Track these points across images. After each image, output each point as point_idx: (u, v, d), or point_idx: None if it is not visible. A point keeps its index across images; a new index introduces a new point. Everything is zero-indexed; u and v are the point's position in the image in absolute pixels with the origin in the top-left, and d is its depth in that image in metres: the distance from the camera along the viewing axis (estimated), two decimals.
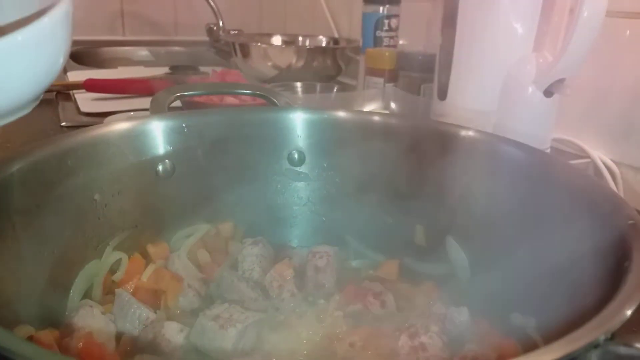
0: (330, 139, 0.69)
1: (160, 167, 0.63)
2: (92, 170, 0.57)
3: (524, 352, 0.49)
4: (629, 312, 0.31)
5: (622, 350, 0.29)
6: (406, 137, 0.65)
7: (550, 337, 0.44)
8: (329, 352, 0.54)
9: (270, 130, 0.69)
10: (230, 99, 1.04)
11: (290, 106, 0.72)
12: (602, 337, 0.29)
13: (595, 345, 0.29)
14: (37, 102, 0.36)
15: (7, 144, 1.01)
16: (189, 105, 0.99)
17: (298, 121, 0.69)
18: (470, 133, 0.62)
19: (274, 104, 0.73)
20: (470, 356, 0.50)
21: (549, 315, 0.47)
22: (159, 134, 0.63)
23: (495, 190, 0.57)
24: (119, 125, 0.60)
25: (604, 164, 0.95)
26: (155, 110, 0.67)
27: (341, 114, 0.69)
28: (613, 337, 0.31)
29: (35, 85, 0.34)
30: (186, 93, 0.72)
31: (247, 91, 0.77)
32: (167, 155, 0.63)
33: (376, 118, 0.69)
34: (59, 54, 0.33)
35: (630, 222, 0.41)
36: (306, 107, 0.70)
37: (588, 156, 0.97)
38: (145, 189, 0.62)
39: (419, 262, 0.65)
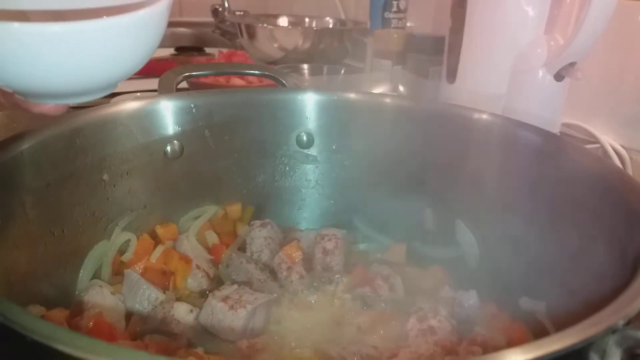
0: (340, 121, 0.68)
1: (168, 148, 0.63)
2: (101, 150, 0.57)
3: (533, 339, 0.49)
4: None
5: None
6: (417, 120, 0.65)
7: (561, 321, 0.44)
8: (337, 335, 0.54)
9: (279, 112, 0.68)
10: (236, 80, 1.03)
11: (299, 87, 0.71)
12: (621, 322, 0.29)
13: (613, 330, 0.29)
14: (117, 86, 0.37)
15: (13, 124, 1.01)
16: (196, 86, 0.98)
17: (307, 103, 0.68)
18: (484, 116, 0.61)
19: (283, 85, 0.73)
20: (479, 340, 0.50)
21: (559, 300, 0.47)
22: (167, 114, 0.62)
23: (507, 173, 0.57)
24: (128, 105, 0.60)
25: (613, 149, 0.94)
26: (164, 91, 0.66)
27: (352, 95, 0.68)
28: (629, 322, 0.31)
29: (131, 67, 0.35)
30: (194, 73, 0.71)
31: (256, 72, 0.76)
32: (175, 136, 0.63)
33: (387, 100, 0.68)
34: (158, 39, 0.35)
35: None
36: (315, 88, 0.69)
37: (597, 141, 0.97)
38: (154, 170, 0.62)
39: (428, 246, 0.65)
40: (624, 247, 0.39)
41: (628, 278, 0.33)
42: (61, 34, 0.30)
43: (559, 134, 0.93)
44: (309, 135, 0.69)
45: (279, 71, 0.75)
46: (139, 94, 1.02)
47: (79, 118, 0.55)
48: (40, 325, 0.26)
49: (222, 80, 1.02)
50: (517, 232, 0.55)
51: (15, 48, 0.30)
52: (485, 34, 0.89)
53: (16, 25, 0.29)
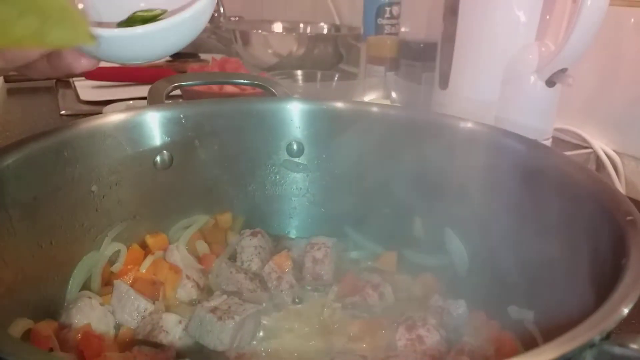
0: (329, 130, 0.68)
1: (158, 158, 0.63)
2: (89, 162, 0.57)
3: (521, 348, 0.49)
4: (625, 311, 0.31)
5: (617, 350, 0.28)
6: (405, 129, 0.65)
7: (549, 330, 0.44)
8: (327, 344, 0.54)
9: (269, 121, 0.68)
10: (230, 88, 1.03)
11: (288, 96, 0.71)
12: (597, 337, 0.29)
13: (590, 345, 0.29)
14: None
15: (6, 133, 1.01)
16: (189, 94, 0.99)
17: (296, 112, 0.68)
18: (469, 125, 0.61)
19: (272, 94, 0.73)
20: (468, 349, 0.50)
21: (547, 308, 0.47)
22: (156, 125, 0.62)
23: (494, 182, 0.57)
24: (115, 117, 0.60)
25: (606, 154, 0.95)
26: (153, 101, 0.66)
27: (339, 104, 0.68)
28: (609, 335, 0.31)
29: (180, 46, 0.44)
30: (184, 83, 0.72)
31: (245, 81, 0.76)
32: (164, 146, 0.63)
33: (375, 109, 0.68)
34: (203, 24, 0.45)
35: (629, 218, 0.40)
36: (305, 97, 0.69)
37: (590, 146, 0.97)
38: (143, 180, 0.62)
39: (418, 254, 0.65)
40: (606, 260, 0.39)
41: (608, 291, 0.33)
42: (165, 28, 0.40)
43: (551, 139, 0.93)
44: (299, 144, 0.69)
45: (268, 80, 0.75)
46: (131, 102, 1.03)
47: (66, 131, 0.55)
48: (19, 348, 0.26)
49: (215, 87, 1.02)
50: (505, 241, 0.55)
51: (132, 44, 0.40)
52: (477, 40, 0.90)
53: (139, 29, 0.40)
